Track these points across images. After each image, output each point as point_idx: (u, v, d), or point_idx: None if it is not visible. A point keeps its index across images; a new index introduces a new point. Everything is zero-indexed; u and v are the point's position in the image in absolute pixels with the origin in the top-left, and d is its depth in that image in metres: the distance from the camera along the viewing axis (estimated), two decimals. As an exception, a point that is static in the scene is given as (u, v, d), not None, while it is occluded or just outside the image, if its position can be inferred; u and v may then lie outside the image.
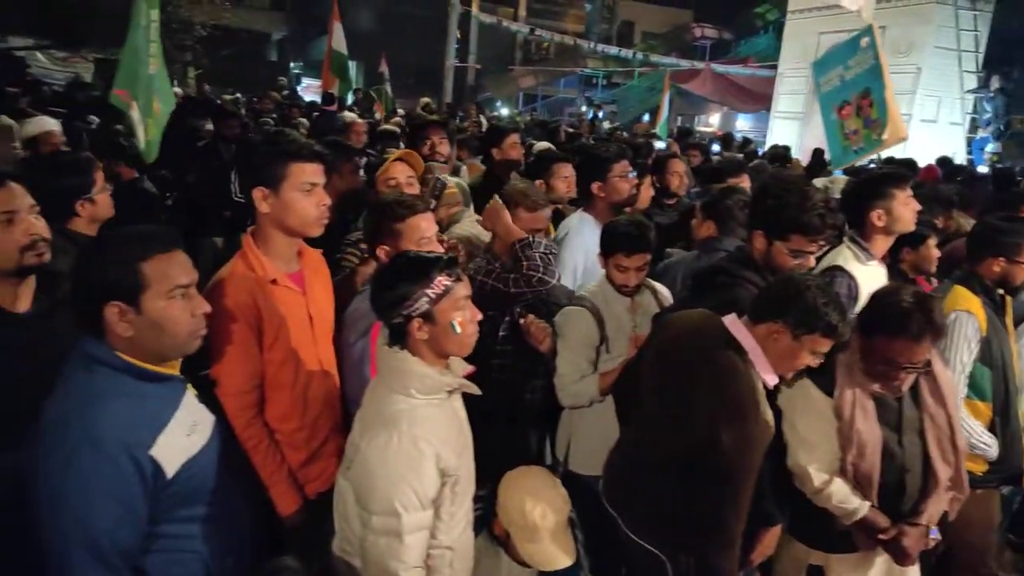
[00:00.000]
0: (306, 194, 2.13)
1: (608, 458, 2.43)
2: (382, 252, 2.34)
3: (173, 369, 1.71)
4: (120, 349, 1.60)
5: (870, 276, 2.76)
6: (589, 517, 2.33)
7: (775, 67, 18.38)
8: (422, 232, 2.34)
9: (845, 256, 2.81)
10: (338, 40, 9.63)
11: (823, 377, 2.29)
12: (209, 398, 1.92)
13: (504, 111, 21.56)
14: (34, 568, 1.57)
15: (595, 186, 3.35)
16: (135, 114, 2.37)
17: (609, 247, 2.73)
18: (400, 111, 11.02)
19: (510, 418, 2.81)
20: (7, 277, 1.89)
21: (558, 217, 3.60)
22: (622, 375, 2.53)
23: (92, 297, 1.56)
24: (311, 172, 2.15)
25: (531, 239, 2.68)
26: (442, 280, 1.75)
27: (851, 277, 2.74)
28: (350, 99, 11.30)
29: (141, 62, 2.44)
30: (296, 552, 2.07)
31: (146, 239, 1.60)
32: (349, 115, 8.40)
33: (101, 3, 11.93)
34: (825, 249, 2.81)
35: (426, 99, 12.52)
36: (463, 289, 1.80)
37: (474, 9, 21.68)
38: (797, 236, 2.35)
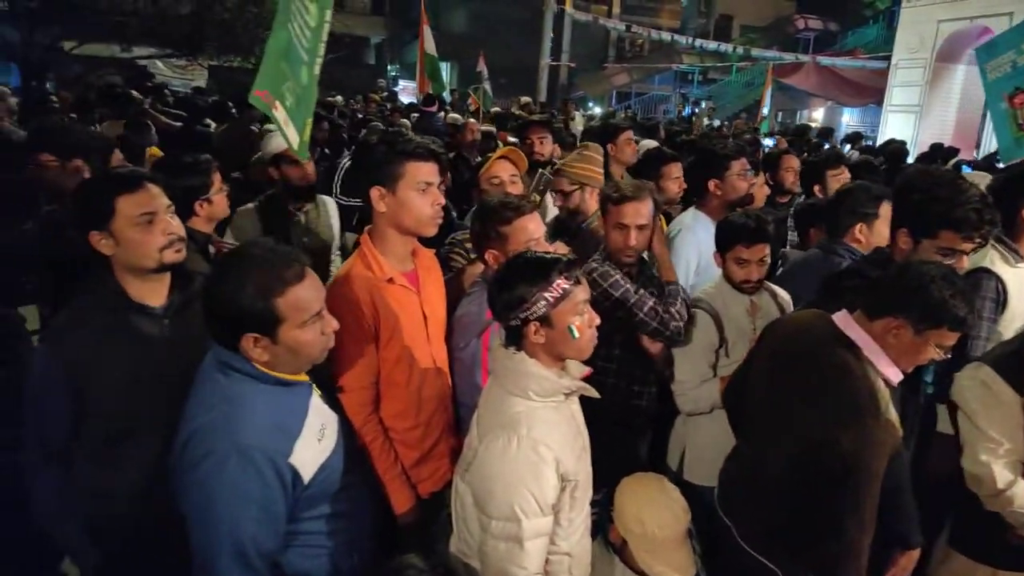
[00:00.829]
0: (421, 193, 2.13)
1: (724, 465, 2.33)
2: (490, 256, 2.32)
3: (303, 377, 1.76)
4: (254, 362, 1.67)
5: (1021, 279, 2.53)
6: (702, 529, 2.24)
7: (887, 58, 17.45)
8: (529, 234, 2.30)
9: (991, 258, 2.59)
10: (429, 43, 9.78)
11: (1013, 372, 2.11)
12: (329, 395, 1.95)
13: (597, 109, 21.37)
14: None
15: (712, 184, 3.25)
16: (279, 114, 2.39)
17: (727, 241, 2.63)
18: (495, 110, 11.06)
19: (619, 424, 2.73)
20: (147, 274, 1.98)
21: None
22: (733, 380, 2.43)
23: (227, 327, 1.61)
24: (427, 171, 2.15)
25: (681, 288, 2.63)
26: (561, 283, 1.70)
27: (999, 279, 2.53)
28: (447, 99, 11.48)
29: (295, 62, 2.42)
30: (413, 550, 2.10)
31: (279, 269, 1.60)
32: (454, 116, 8.50)
33: (213, 15, 12.61)
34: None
35: (526, 98, 12.52)
36: (582, 293, 1.74)
37: (568, 7, 21.57)
38: (948, 233, 2.18)
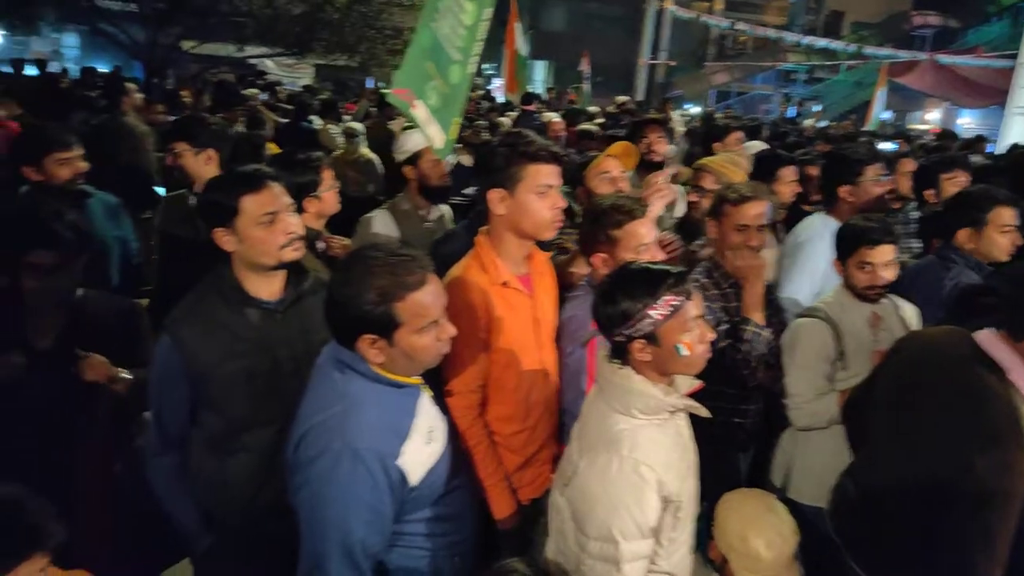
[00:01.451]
0: (541, 196, 2.10)
1: (837, 482, 2.21)
2: (598, 260, 2.27)
3: (416, 379, 1.78)
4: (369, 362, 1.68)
5: None
6: (809, 551, 2.13)
7: (1013, 56, 16.22)
8: (640, 239, 2.23)
9: None
10: (519, 42, 9.58)
11: None
12: (437, 396, 1.96)
13: (695, 109, 20.87)
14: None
15: (844, 189, 3.11)
16: (419, 112, 2.40)
17: (849, 245, 2.49)
18: (592, 109, 10.96)
19: (719, 439, 2.64)
20: (266, 271, 2.03)
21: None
22: (854, 395, 2.29)
23: (347, 326, 1.62)
24: (547, 173, 2.11)
25: (765, 332, 2.51)
26: (669, 299, 1.61)
27: None
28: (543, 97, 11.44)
29: (442, 61, 2.41)
30: (512, 556, 2.09)
31: (401, 274, 1.60)
32: (548, 114, 8.48)
33: (324, 15, 13.05)
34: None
35: (623, 97, 12.36)
36: (693, 308, 1.65)
37: (669, 4, 21.16)
38: None
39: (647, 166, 3.71)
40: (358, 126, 6.56)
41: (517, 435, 2.19)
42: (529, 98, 9.42)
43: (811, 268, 2.98)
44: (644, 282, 1.64)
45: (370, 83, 13.57)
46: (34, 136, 3.26)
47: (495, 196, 2.12)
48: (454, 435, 1.97)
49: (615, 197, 2.37)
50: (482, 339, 2.10)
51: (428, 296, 1.63)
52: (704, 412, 1.76)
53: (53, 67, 13.85)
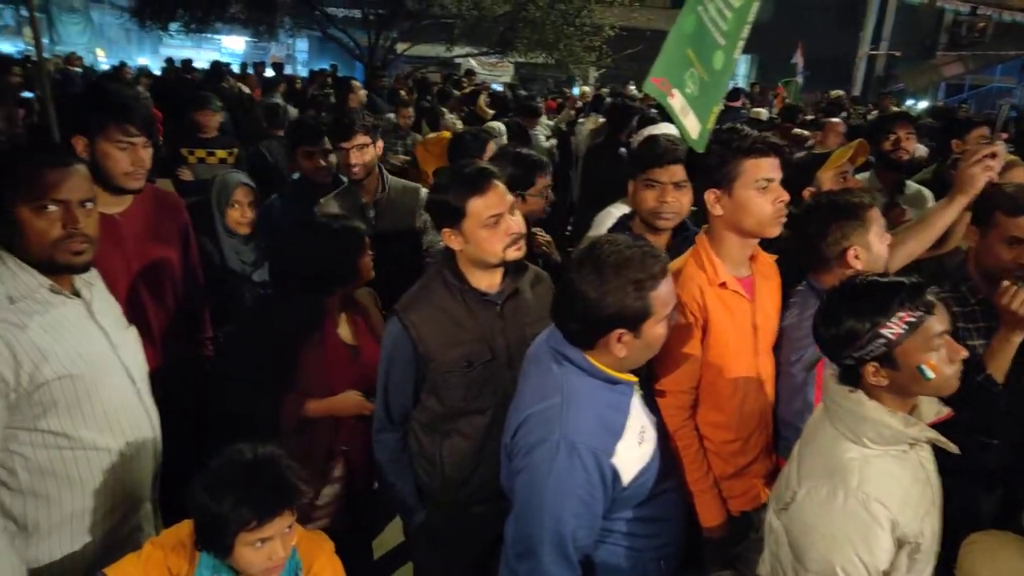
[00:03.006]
0: (761, 191, 1.99)
1: None
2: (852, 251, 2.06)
3: (630, 376, 1.75)
4: (593, 355, 1.68)
5: None
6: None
7: None
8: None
9: None
10: None
11: None
12: (647, 395, 1.92)
13: (921, 104, 18.87)
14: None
15: None
16: (675, 102, 2.37)
17: None
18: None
19: (960, 473, 2.34)
20: (489, 267, 2.08)
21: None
22: None
23: (601, 322, 1.61)
24: (767, 167, 2.00)
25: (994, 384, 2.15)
26: (904, 316, 1.44)
27: None
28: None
29: (706, 47, 2.34)
30: (717, 566, 2.00)
31: (649, 264, 1.59)
32: (757, 110, 8.09)
33: (525, 14, 13.38)
34: None
35: (837, 92, 11.49)
36: (937, 324, 1.46)
37: (896, -11, 19.33)
38: None
39: (892, 166, 3.39)
40: (496, 125, 6.53)
41: (729, 444, 2.10)
42: (736, 93, 9.02)
43: None
44: (872, 297, 1.48)
45: (575, 90, 13.66)
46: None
47: (711, 197, 2.05)
48: (664, 436, 1.93)
49: (851, 192, 2.20)
50: (696, 339, 2.03)
51: (668, 284, 1.63)
52: (952, 447, 1.55)
53: (287, 69, 15.45)
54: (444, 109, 8.13)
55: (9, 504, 1.72)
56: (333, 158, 3.49)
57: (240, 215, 2.98)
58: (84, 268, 1.80)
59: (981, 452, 2.33)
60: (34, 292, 1.71)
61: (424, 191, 3.35)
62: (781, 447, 2.15)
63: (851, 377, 1.56)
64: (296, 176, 3.91)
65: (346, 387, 2.36)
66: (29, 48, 21.74)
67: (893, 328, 1.45)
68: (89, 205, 1.77)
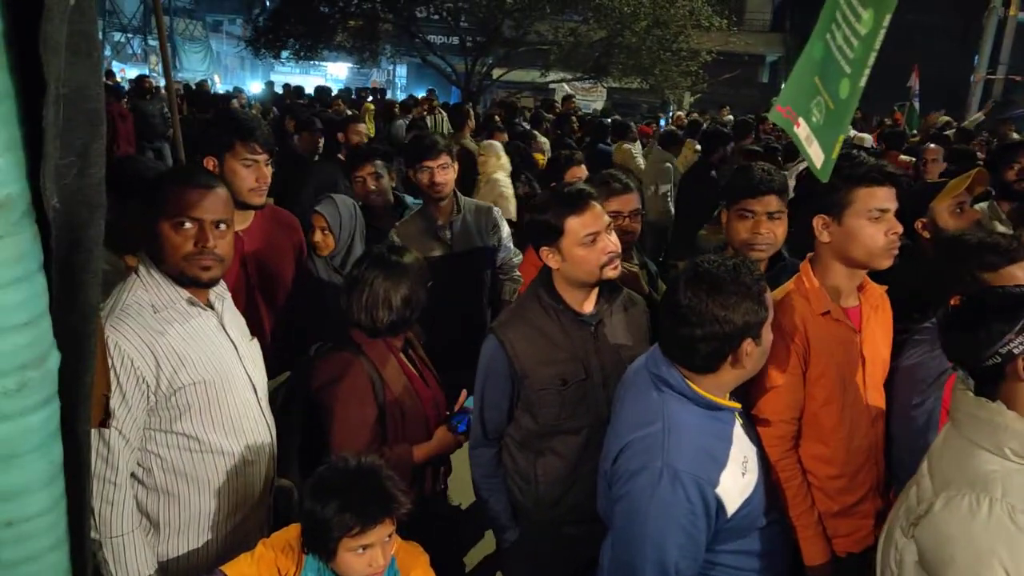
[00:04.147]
0: (874, 222, 1.94)
1: None
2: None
3: (733, 403, 1.74)
4: (702, 380, 1.68)
5: None
6: None
7: None
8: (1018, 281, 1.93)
9: None
10: None
11: None
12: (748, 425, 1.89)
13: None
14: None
15: None
16: (800, 131, 2.36)
17: None
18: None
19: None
20: (585, 287, 2.11)
21: None
22: None
23: (735, 336, 1.62)
24: (882, 197, 1.95)
25: None
26: None
27: None
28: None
29: (832, 75, 2.31)
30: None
31: (753, 270, 1.66)
32: (860, 136, 7.81)
33: (621, 40, 13.41)
34: None
35: (945, 117, 10.93)
36: None
37: (1014, 11, 18.27)
38: None
39: (1014, 195, 3.22)
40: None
41: (834, 480, 2.03)
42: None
43: None
44: (1017, 300, 1.46)
45: (671, 114, 13.60)
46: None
47: (819, 223, 2.02)
48: (766, 468, 1.89)
49: (986, 234, 2.08)
50: (797, 368, 1.99)
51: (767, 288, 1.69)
52: None
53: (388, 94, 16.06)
54: (536, 132, 8.25)
55: (145, 502, 1.85)
56: (386, 181, 3.59)
57: (320, 239, 3.06)
58: (210, 283, 1.93)
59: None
60: (174, 303, 1.86)
61: (497, 210, 3.47)
62: (895, 490, 2.05)
63: (989, 385, 1.50)
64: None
65: (436, 422, 2.33)
66: (154, 75, 23.49)
67: None
68: (223, 227, 1.90)
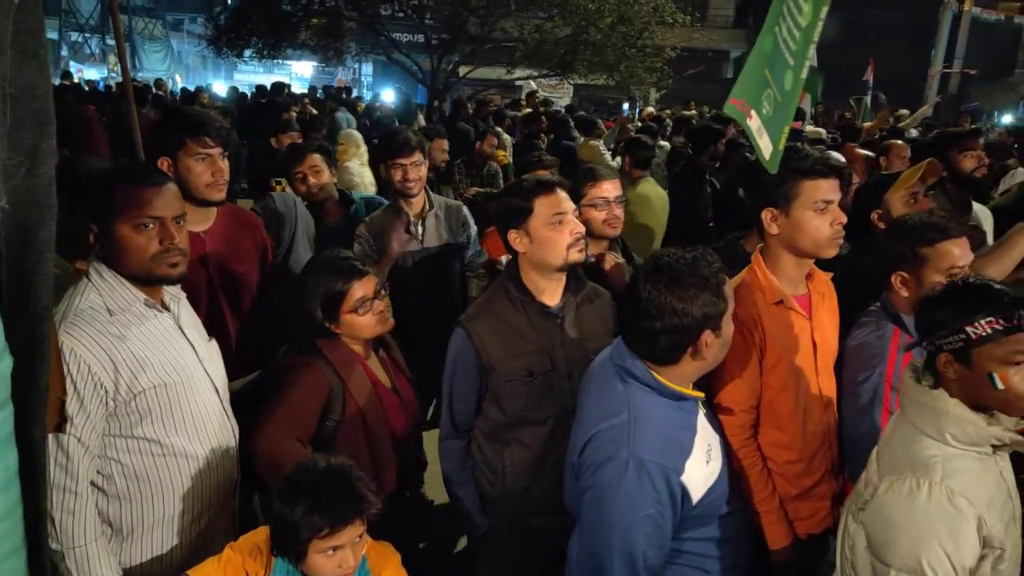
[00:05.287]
0: (820, 213, 2.00)
1: None
2: (897, 279, 2.10)
3: (698, 392, 1.77)
4: (665, 371, 1.71)
5: None
6: None
7: None
8: (954, 260, 2.03)
9: None
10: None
11: None
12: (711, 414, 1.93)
13: (1005, 118, 18.14)
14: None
15: None
16: (753, 124, 2.40)
17: None
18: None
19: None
20: (550, 273, 2.14)
21: None
22: None
23: (694, 327, 1.64)
24: (826, 189, 2.01)
25: None
26: (993, 321, 1.45)
27: None
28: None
29: (779, 67, 2.35)
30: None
31: (712, 261, 1.67)
32: (816, 130, 7.94)
33: (588, 37, 13.46)
34: None
35: (904, 111, 11.16)
36: None
37: (969, 7, 18.72)
38: None
39: (970, 183, 3.31)
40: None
41: (793, 464, 2.08)
42: (800, 113, 8.87)
43: None
44: (969, 296, 1.51)
45: (624, 111, 13.69)
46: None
47: (767, 215, 2.07)
48: (729, 456, 1.93)
49: (929, 214, 2.16)
50: (754, 357, 2.04)
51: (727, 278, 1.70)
52: None
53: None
54: (500, 129, 8.28)
55: (106, 509, 1.82)
56: (326, 176, 3.57)
57: None
58: (180, 279, 1.92)
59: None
60: (131, 305, 1.83)
61: (465, 208, 3.51)
62: (849, 470, 2.12)
63: (930, 368, 1.58)
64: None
65: (402, 429, 2.30)
66: (112, 74, 22.97)
67: (977, 329, 1.47)
68: (181, 222, 1.90)
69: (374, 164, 4.36)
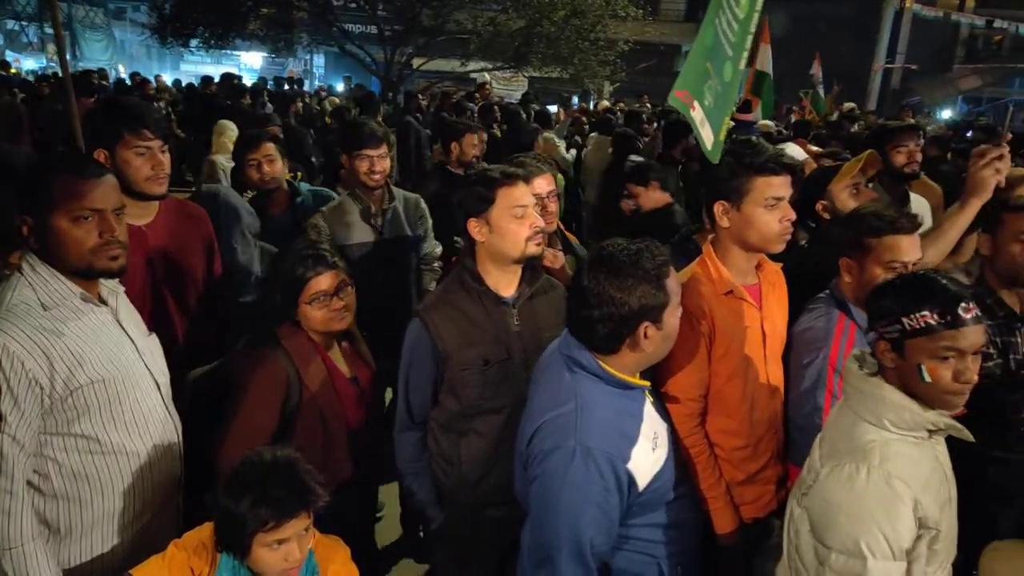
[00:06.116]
0: (769, 209, 2.03)
1: None
2: (844, 264, 2.16)
3: (644, 381, 1.79)
4: (609, 360, 1.72)
5: None
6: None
7: None
8: (898, 254, 2.08)
9: None
10: (763, 60, 9.03)
11: None
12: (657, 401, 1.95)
13: (945, 113, 18.75)
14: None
15: None
16: (696, 114, 2.42)
17: None
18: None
19: (974, 483, 2.34)
20: (507, 264, 2.14)
21: None
22: None
23: (630, 318, 1.66)
24: (778, 185, 2.04)
25: None
26: (927, 316, 1.50)
27: None
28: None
29: (719, 59, 2.38)
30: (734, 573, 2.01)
31: (658, 256, 1.68)
32: (766, 123, 8.09)
33: (541, 30, 13.48)
34: None
35: (850, 104, 11.48)
36: (958, 339, 1.50)
37: (910, 3, 19.27)
38: None
39: (901, 177, 3.41)
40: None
41: (740, 450, 2.12)
42: (747, 106, 9.00)
43: None
44: (913, 289, 1.57)
45: (576, 103, 13.74)
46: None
47: (719, 208, 2.10)
48: (676, 443, 1.96)
49: (883, 206, 2.22)
50: (703, 347, 2.07)
51: (673, 273, 1.71)
52: (969, 436, 1.59)
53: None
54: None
55: (43, 509, 1.77)
56: (280, 165, 3.50)
57: None
58: (121, 272, 1.87)
59: (999, 467, 2.34)
60: (66, 300, 1.77)
61: (423, 202, 3.49)
62: (792, 453, 2.17)
63: (874, 359, 1.64)
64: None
65: (359, 421, 2.31)
66: (51, 64, 22.14)
67: (911, 321, 1.52)
68: (120, 214, 1.84)
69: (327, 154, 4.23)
